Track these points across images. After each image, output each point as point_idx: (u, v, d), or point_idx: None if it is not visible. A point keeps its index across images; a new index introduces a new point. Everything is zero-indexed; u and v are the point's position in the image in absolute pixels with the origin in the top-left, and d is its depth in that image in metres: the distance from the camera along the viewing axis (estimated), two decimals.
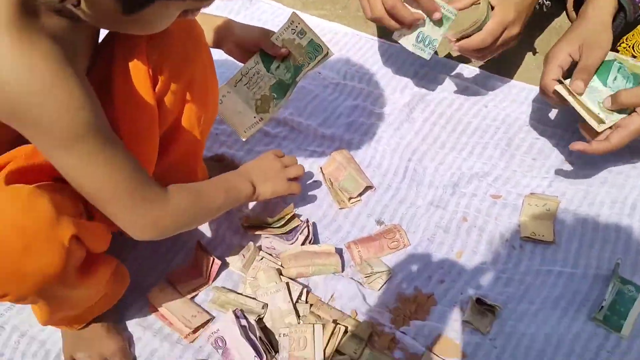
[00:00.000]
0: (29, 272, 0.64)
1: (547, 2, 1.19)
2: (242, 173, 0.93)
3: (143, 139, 0.78)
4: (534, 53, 1.27)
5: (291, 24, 0.96)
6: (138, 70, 0.74)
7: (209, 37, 0.95)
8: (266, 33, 0.96)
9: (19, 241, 0.62)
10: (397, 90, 1.22)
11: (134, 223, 0.72)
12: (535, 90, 1.20)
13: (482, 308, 0.90)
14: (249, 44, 0.96)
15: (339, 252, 0.99)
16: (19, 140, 0.65)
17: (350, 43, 1.33)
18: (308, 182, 1.11)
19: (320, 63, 0.95)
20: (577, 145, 0.95)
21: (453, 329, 0.90)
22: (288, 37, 0.96)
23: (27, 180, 0.67)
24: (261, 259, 0.98)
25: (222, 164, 1.11)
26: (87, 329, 0.89)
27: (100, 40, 0.77)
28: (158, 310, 0.95)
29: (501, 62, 1.26)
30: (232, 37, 0.95)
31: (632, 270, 0.94)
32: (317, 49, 0.95)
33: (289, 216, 1.01)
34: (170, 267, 1.01)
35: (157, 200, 0.73)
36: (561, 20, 1.33)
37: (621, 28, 1.01)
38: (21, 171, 0.68)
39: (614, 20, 0.98)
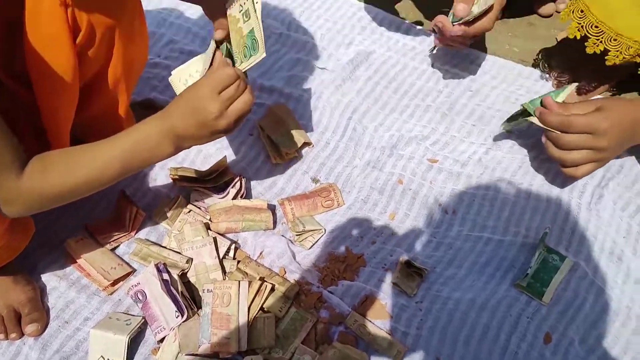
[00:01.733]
0: None
1: None
2: (162, 126, 0.74)
3: (58, 91, 0.73)
4: None
5: None
6: (54, 18, 0.67)
7: None
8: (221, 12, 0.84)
9: None
10: (342, 46, 1.18)
11: None
12: (482, 55, 1.19)
13: (410, 270, 0.90)
14: (210, 12, 0.86)
15: (272, 208, 0.96)
16: None
17: None
18: (243, 135, 1.06)
19: (251, 65, 0.77)
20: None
21: (381, 290, 0.89)
22: (234, 14, 0.81)
23: None
24: (189, 211, 0.94)
25: (151, 111, 1.04)
26: None
27: None
28: (76, 262, 0.90)
29: None
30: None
31: (558, 240, 0.95)
32: (253, 46, 0.78)
33: (221, 169, 0.97)
34: (90, 217, 0.95)
35: (8, 179, 0.67)
36: None
37: None
38: None
39: None
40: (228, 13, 0.82)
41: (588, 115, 0.90)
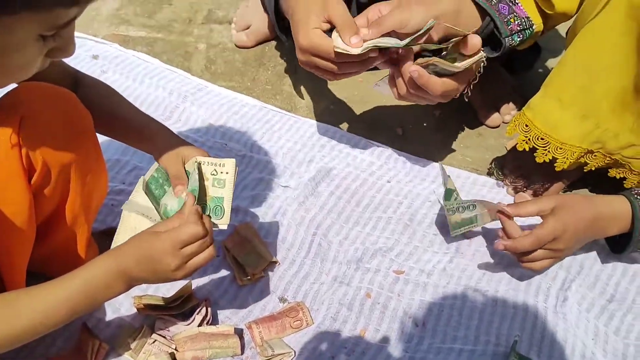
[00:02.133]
0: None
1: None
2: (114, 267, 0.73)
3: (14, 231, 0.73)
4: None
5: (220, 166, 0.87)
6: (8, 161, 0.69)
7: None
8: (177, 162, 0.88)
9: None
10: (304, 164, 1.22)
11: None
12: (437, 166, 1.24)
13: None
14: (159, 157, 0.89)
15: (239, 332, 0.94)
16: None
17: (257, 115, 1.32)
18: None
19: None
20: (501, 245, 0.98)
21: None
22: (206, 172, 0.86)
23: None
24: (153, 341, 0.91)
25: None
26: None
27: None
28: None
29: (404, 137, 1.30)
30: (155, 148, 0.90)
31: (529, 346, 0.95)
32: (216, 211, 0.85)
33: (185, 295, 0.96)
34: (50, 352, 0.91)
35: None
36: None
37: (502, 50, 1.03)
38: None
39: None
40: (192, 161, 0.87)
41: (548, 224, 0.95)
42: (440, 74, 0.96)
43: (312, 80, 1.42)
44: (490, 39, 1.05)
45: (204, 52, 1.49)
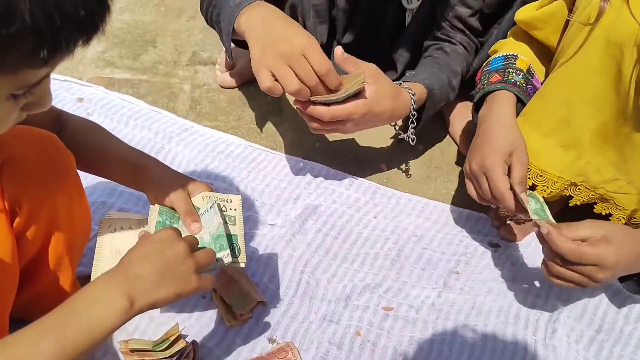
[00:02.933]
0: None
1: (413, 137, 1.22)
2: (113, 282, 0.65)
3: None
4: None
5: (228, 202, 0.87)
6: None
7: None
8: (184, 197, 0.85)
9: None
10: (290, 202, 1.23)
11: None
12: (422, 201, 1.25)
13: None
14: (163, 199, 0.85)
15: None
16: None
17: (243, 154, 1.33)
18: (195, 298, 1.05)
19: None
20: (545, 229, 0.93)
21: None
22: (215, 212, 0.83)
23: None
24: None
25: None
26: None
27: None
28: None
29: (388, 173, 1.32)
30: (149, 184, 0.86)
31: None
32: (234, 250, 0.83)
33: (173, 337, 0.94)
34: None
35: None
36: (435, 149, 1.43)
37: None
38: None
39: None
40: (200, 197, 0.86)
41: (598, 247, 0.89)
42: (327, 104, 1.05)
43: (296, 118, 1.44)
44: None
45: (188, 92, 1.50)
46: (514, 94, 1.06)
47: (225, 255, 0.81)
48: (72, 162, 0.81)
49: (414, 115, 1.18)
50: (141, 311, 0.67)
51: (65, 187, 0.80)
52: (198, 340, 0.98)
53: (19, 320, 0.82)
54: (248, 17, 1.03)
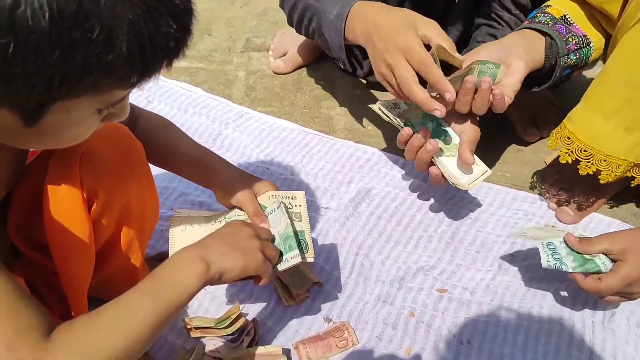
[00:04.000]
0: None
1: None
2: (190, 250, 0.74)
3: (77, 257, 0.78)
4: None
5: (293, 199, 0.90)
6: (71, 194, 0.75)
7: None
8: (252, 198, 0.90)
9: None
10: (343, 185, 1.25)
11: None
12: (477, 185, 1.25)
13: None
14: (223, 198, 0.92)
15: (287, 352, 0.97)
16: None
17: (297, 139, 1.36)
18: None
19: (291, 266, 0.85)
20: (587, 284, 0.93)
21: None
22: (281, 211, 0.87)
23: None
24: None
25: None
26: None
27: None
28: None
29: None
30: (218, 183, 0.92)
31: None
32: (301, 246, 0.86)
33: (234, 316, 0.99)
34: None
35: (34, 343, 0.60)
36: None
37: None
38: None
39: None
40: (266, 196, 0.90)
41: (617, 273, 0.90)
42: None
43: (349, 102, 1.46)
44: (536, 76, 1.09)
45: (243, 79, 1.54)
46: (538, 29, 1.06)
47: (294, 256, 0.84)
48: (142, 152, 0.86)
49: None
50: (213, 277, 0.73)
51: (137, 175, 0.84)
52: (257, 319, 1.02)
53: (94, 299, 0.89)
54: (352, 26, 1.06)
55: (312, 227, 1.17)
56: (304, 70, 1.55)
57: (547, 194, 1.20)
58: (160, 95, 1.48)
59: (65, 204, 0.75)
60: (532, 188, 1.23)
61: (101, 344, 0.63)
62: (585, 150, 1.04)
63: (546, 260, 0.94)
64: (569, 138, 1.06)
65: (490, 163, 1.31)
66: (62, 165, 0.76)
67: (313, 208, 1.21)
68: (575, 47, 1.07)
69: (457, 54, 1.01)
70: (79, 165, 0.76)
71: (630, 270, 0.90)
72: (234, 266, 0.75)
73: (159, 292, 0.68)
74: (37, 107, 0.55)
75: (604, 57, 1.11)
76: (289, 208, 0.89)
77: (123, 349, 0.64)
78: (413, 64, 0.97)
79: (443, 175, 1.05)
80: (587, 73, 1.47)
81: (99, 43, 0.50)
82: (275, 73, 1.55)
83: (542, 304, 1.03)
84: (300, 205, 0.90)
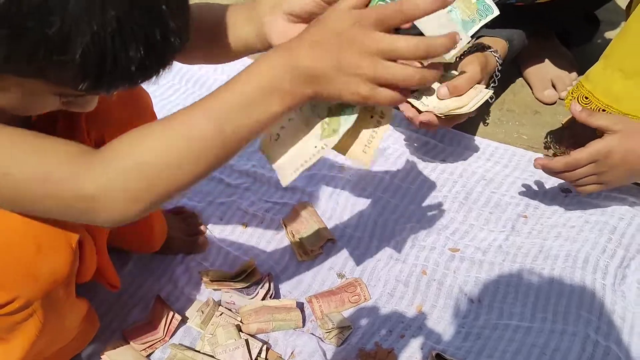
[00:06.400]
0: (41, 272, 0.65)
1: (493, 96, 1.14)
2: (273, 53, 0.58)
3: None
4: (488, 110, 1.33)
5: None
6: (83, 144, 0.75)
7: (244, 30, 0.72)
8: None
9: (32, 242, 0.63)
10: None
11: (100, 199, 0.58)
12: (492, 144, 1.24)
13: None
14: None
15: (300, 306, 0.99)
16: None
17: None
18: (269, 235, 1.11)
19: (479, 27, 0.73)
20: (540, 160, 1.00)
21: None
22: None
23: None
24: (220, 314, 0.97)
25: (181, 216, 1.11)
26: None
27: None
28: None
29: None
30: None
31: (587, 323, 0.95)
32: (485, 9, 0.75)
33: (249, 270, 1.01)
34: (127, 322, 0.98)
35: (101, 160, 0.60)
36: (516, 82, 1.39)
37: None
38: None
39: None
40: None
41: (587, 149, 0.94)
42: None
43: None
44: None
45: None
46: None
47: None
48: (149, 101, 0.87)
49: (497, 76, 1.14)
50: (300, 78, 0.57)
51: (144, 121, 0.85)
52: (272, 273, 1.04)
53: (113, 248, 0.91)
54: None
55: (328, 185, 1.18)
56: None
57: (564, 153, 1.19)
58: None
59: None
60: (546, 148, 1.23)
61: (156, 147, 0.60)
62: (603, 110, 1.02)
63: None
64: (586, 98, 1.04)
65: (507, 125, 1.30)
66: (69, 119, 0.76)
67: (327, 166, 1.21)
68: None
69: None
70: (84, 119, 0.76)
71: (601, 147, 0.93)
72: (325, 66, 0.56)
73: (225, 98, 0.58)
74: None
75: (627, 15, 1.08)
76: None
77: (178, 153, 0.59)
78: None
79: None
80: (609, 34, 1.45)
81: (53, 40, 0.50)
82: None
83: (554, 265, 1.04)
84: None
